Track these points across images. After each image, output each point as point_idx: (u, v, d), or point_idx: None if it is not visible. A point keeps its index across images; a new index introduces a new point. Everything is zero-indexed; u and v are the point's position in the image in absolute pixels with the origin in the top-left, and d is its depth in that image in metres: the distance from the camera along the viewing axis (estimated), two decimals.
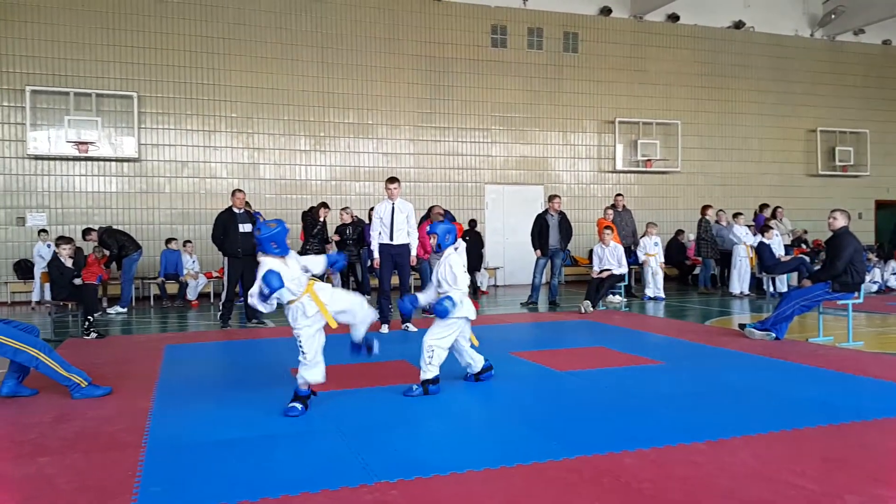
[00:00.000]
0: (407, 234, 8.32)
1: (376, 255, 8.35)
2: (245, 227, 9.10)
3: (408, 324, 8.53)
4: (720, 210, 13.75)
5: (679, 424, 4.22)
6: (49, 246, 11.85)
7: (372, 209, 11.26)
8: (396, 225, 8.20)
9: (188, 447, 3.92)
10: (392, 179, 8.36)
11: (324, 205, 10.83)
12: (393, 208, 8.21)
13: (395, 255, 8.32)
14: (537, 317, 10.22)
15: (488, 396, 5.09)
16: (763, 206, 14.66)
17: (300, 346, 4.63)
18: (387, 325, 8.39)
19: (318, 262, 4.85)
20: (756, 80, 17.96)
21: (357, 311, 4.82)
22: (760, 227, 12.82)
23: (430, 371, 5.05)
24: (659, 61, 17.09)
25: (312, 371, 4.62)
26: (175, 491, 3.23)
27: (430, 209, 11.02)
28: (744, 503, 3.02)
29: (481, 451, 3.75)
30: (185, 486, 3.29)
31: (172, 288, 12.52)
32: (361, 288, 10.97)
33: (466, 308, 5.20)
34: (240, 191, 9.38)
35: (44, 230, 12.37)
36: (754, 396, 4.98)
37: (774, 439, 3.91)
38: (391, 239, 8.24)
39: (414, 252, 8.48)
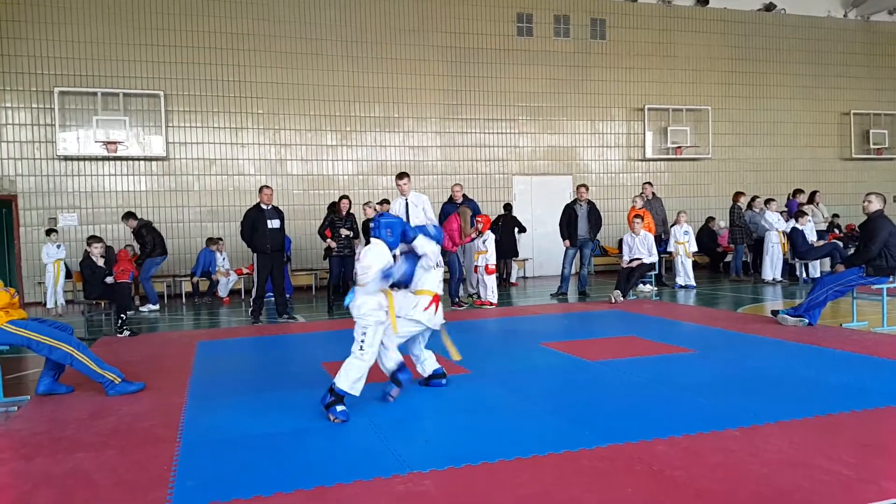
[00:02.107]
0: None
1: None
2: (273, 224, 9.14)
3: None
4: (755, 196, 13.52)
5: (711, 412, 4.17)
6: (59, 247, 11.82)
7: (366, 204, 11.11)
8: (412, 221, 8.04)
9: (222, 442, 3.96)
10: (401, 175, 8.18)
11: (344, 197, 10.78)
12: (407, 204, 8.07)
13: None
14: (567, 307, 10.16)
15: (519, 387, 5.07)
16: (797, 192, 14.40)
17: (361, 339, 4.43)
18: None
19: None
20: (788, 63, 17.59)
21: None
22: (794, 212, 12.59)
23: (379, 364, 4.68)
24: (688, 46, 16.83)
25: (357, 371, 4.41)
26: (210, 485, 3.26)
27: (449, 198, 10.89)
28: (778, 490, 2.97)
29: (513, 440, 3.74)
30: (220, 480, 3.32)
31: (203, 285, 12.71)
32: None
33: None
34: (267, 187, 9.43)
35: (53, 230, 12.28)
36: (787, 383, 4.91)
37: (808, 425, 3.85)
38: None
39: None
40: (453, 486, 3.12)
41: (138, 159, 13.57)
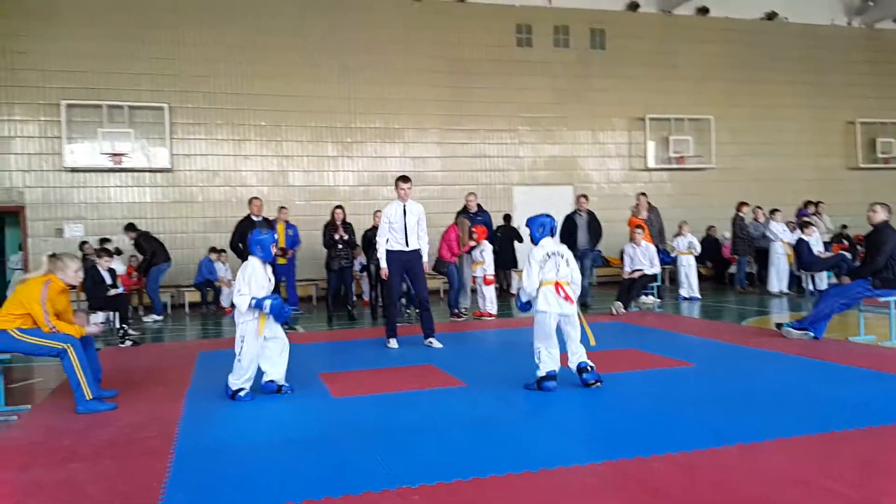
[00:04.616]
0: (418, 237, 7.55)
1: (383, 263, 7.50)
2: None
3: (432, 339, 7.61)
4: (757, 207, 13.47)
5: (710, 428, 4.10)
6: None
7: (377, 212, 10.94)
8: (409, 227, 7.43)
9: (215, 453, 3.95)
10: (404, 178, 7.61)
11: (338, 207, 10.71)
12: (405, 210, 7.44)
13: (406, 261, 7.54)
14: None
15: (515, 400, 5.02)
16: (807, 203, 14.33)
17: (238, 350, 5.20)
18: (395, 340, 7.55)
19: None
20: (791, 71, 17.56)
21: (279, 350, 5.38)
22: (800, 223, 12.50)
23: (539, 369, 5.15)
24: (689, 56, 16.83)
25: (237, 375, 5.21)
26: (200, 497, 3.25)
27: (464, 208, 10.83)
28: None
29: (506, 455, 3.69)
30: (210, 492, 3.31)
31: (210, 295, 12.64)
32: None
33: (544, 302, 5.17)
34: (256, 198, 9.54)
35: (87, 242, 11.87)
36: (790, 398, 4.83)
37: (810, 442, 3.79)
38: (406, 244, 7.46)
39: (426, 257, 7.69)
40: (442, 501, 3.09)
41: (143, 171, 13.66)
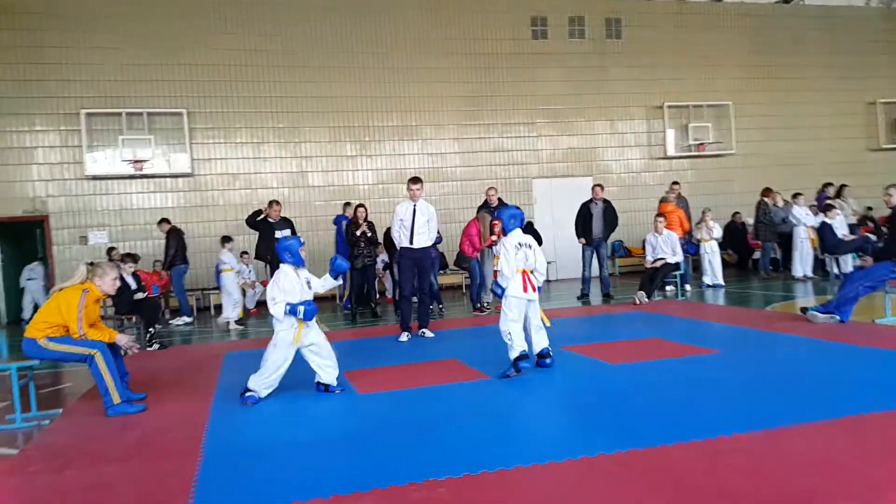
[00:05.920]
0: (428, 237, 8.05)
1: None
2: (284, 233, 9.50)
3: (424, 330, 8.17)
4: (776, 192, 13.34)
5: (734, 414, 4.10)
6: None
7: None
8: (417, 228, 7.91)
9: (242, 452, 4.00)
10: (415, 180, 8.05)
11: (360, 205, 10.78)
12: (414, 210, 7.91)
13: (416, 258, 8.08)
14: (590, 310, 10.09)
15: (539, 391, 5.05)
16: (826, 185, 14.15)
17: (267, 354, 5.22)
18: (407, 334, 8.01)
19: (320, 282, 5.45)
20: (809, 54, 17.35)
21: (326, 353, 5.32)
22: (822, 206, 12.35)
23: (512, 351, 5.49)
24: (705, 42, 16.69)
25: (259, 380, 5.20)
26: (229, 496, 3.30)
27: (484, 203, 10.84)
28: (800, 493, 2.91)
29: (531, 446, 3.72)
30: (239, 491, 3.36)
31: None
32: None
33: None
34: (276, 202, 10.03)
35: (228, 237, 11.40)
36: (815, 382, 4.81)
37: (835, 426, 3.77)
38: (411, 242, 7.96)
39: (435, 254, 8.28)
40: (468, 493, 3.12)
41: (164, 176, 13.82)
